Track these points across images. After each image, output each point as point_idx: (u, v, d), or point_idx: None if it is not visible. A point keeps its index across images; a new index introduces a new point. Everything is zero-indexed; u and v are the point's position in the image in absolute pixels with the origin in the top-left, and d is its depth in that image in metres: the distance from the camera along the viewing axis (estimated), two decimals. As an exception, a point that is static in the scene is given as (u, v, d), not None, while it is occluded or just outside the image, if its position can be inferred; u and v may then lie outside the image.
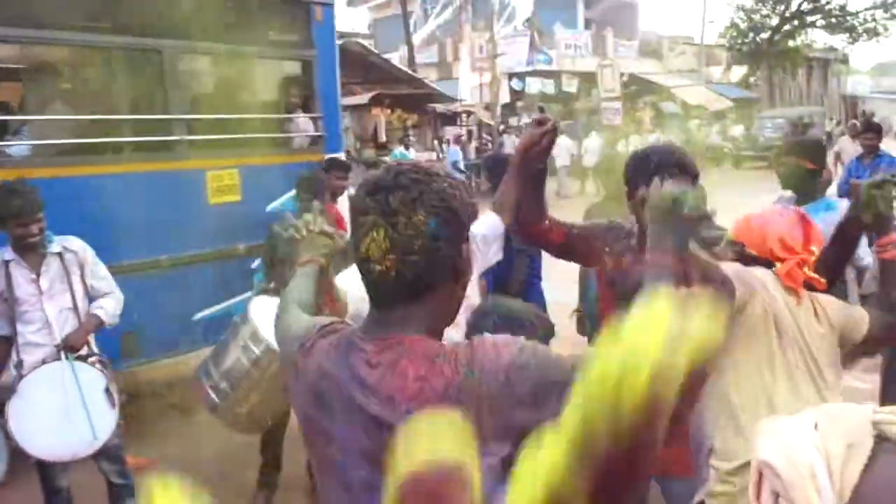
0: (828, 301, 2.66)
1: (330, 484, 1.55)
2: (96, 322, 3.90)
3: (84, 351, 3.84)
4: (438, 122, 22.97)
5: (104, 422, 3.75)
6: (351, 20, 53.15)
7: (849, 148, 13.30)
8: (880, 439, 0.91)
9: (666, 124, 30.77)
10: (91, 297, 3.96)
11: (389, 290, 1.45)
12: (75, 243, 3.94)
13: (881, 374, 3.77)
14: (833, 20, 37.23)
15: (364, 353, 1.46)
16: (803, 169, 4.17)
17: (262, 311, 3.53)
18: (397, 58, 26.21)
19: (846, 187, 7.44)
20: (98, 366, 3.81)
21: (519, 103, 28.81)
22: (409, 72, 22.36)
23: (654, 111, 31.43)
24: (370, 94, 18.68)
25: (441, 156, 20.61)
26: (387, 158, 19.46)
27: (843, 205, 4.08)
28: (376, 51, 22.56)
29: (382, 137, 18.62)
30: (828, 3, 36.69)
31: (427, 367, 1.40)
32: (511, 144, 22.46)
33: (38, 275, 3.79)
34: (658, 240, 1.71)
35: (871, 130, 8.12)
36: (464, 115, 23.87)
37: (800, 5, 36.64)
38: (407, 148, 18.03)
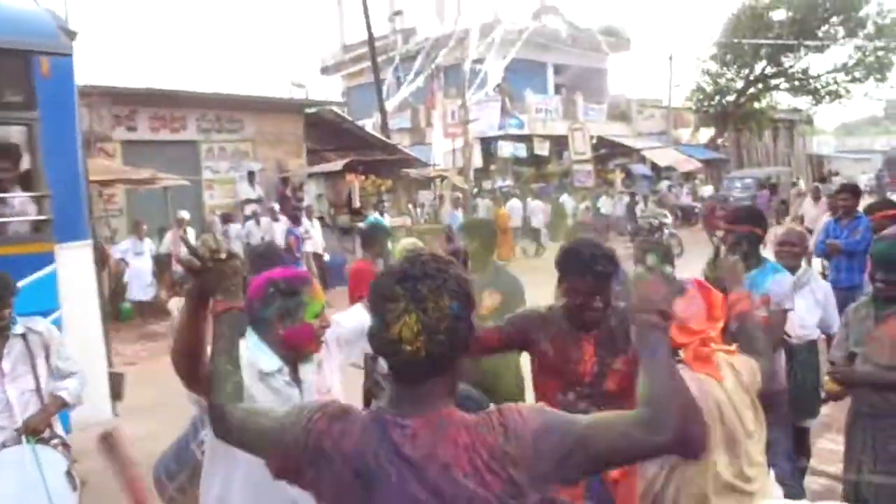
0: (740, 362, 2.82)
1: None
2: (60, 403, 3.84)
3: (47, 433, 3.76)
4: (412, 187, 23.14)
5: None
6: (325, 88, 53.88)
7: (811, 211, 12.93)
8: None
9: (637, 185, 31.25)
10: (55, 378, 3.90)
11: (420, 369, 1.62)
12: (40, 324, 3.89)
13: (844, 434, 3.82)
14: (796, 83, 38.21)
15: (405, 428, 1.61)
16: (755, 235, 4.30)
17: None
18: (371, 124, 26.49)
19: (822, 247, 7.46)
20: (60, 448, 3.73)
21: (492, 167, 29.12)
22: (383, 138, 22.60)
23: (624, 173, 31.88)
24: (344, 161, 18.81)
25: (416, 220, 20.70)
26: (361, 224, 19.52)
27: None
28: (350, 118, 22.84)
29: (356, 203, 18.69)
30: (790, 66, 37.70)
31: (472, 435, 1.59)
32: (484, 208, 22.65)
33: (0, 357, 3.72)
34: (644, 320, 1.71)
35: (845, 191, 7.75)
36: (437, 180, 24.07)
37: (763, 69, 37.62)
38: (381, 214, 18.14)
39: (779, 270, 4.40)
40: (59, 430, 3.93)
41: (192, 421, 3.67)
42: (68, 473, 3.69)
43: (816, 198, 13.31)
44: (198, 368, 2.08)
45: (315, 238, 16.13)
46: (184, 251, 2.01)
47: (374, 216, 18.37)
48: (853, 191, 7.77)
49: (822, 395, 4.21)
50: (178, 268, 14.43)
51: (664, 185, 31.39)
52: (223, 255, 1.95)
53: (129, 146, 16.59)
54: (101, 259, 13.74)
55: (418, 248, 5.20)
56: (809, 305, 4.67)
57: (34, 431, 3.68)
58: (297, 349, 2.71)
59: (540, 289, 4.71)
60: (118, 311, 13.84)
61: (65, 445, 3.80)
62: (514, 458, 1.56)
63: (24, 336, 3.80)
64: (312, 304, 2.71)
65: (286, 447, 1.71)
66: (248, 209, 17.32)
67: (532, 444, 1.57)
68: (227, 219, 16.48)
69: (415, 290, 1.59)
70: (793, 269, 4.63)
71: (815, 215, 9.50)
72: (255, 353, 2.67)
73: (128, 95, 16.42)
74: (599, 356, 3.00)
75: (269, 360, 2.71)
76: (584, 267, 2.91)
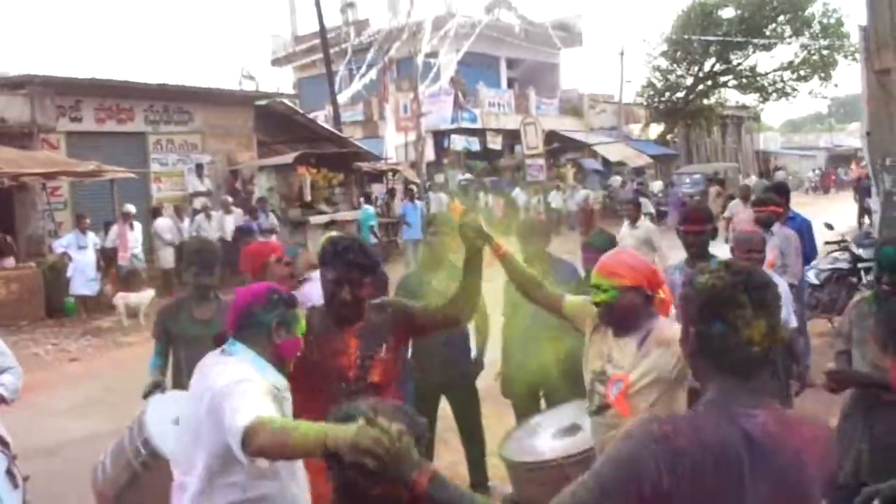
0: None
1: None
2: None
3: None
4: (365, 181, 23.02)
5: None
6: (276, 80, 53.33)
7: (742, 213, 10.43)
8: None
9: (588, 179, 31.53)
10: None
11: (762, 365, 1.85)
12: None
13: (840, 420, 4.00)
14: (744, 80, 38.92)
15: (754, 418, 1.78)
16: (715, 232, 4.43)
17: (159, 415, 3.47)
18: (322, 116, 26.29)
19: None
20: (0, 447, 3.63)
21: (444, 161, 29.13)
22: (335, 131, 22.44)
23: (575, 168, 32.13)
24: (295, 154, 18.64)
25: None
26: (349, 215, 19.43)
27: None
28: (301, 110, 22.63)
29: (308, 197, 18.52)
30: (739, 64, 38.37)
31: (812, 430, 1.86)
32: (437, 201, 22.62)
33: None
34: None
35: (776, 192, 7.27)
36: (390, 174, 23.98)
37: (712, 66, 38.21)
38: (362, 205, 18.46)
39: None
40: None
41: (130, 424, 3.60)
42: (9, 472, 3.59)
43: (745, 198, 11.73)
44: None
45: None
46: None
47: (365, 208, 18.50)
48: (780, 190, 7.33)
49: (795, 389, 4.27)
50: (123, 262, 14.19)
51: (615, 179, 31.70)
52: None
53: (74, 137, 16.23)
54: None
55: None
56: None
57: None
58: (284, 363, 2.69)
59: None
60: (61, 306, 13.53)
61: (3, 443, 3.68)
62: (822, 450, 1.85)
63: None
64: (302, 321, 2.76)
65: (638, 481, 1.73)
66: (198, 202, 17.06)
67: None
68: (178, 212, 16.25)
69: (761, 299, 1.83)
70: None
71: (747, 218, 8.26)
72: (264, 370, 2.60)
73: (72, 85, 16.06)
74: (361, 349, 3.12)
75: (275, 375, 2.65)
76: (335, 256, 3.05)
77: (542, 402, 4.99)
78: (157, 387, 3.99)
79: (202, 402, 2.47)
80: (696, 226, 4.69)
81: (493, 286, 5.15)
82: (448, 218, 6.28)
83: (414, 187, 21.22)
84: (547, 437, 3.40)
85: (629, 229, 8.73)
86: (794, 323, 4.40)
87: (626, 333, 2.95)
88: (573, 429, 3.27)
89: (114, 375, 9.63)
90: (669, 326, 2.87)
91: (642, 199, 15.92)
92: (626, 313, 2.92)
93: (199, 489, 2.54)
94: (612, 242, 4.59)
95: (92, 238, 13.58)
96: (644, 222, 8.79)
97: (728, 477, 1.73)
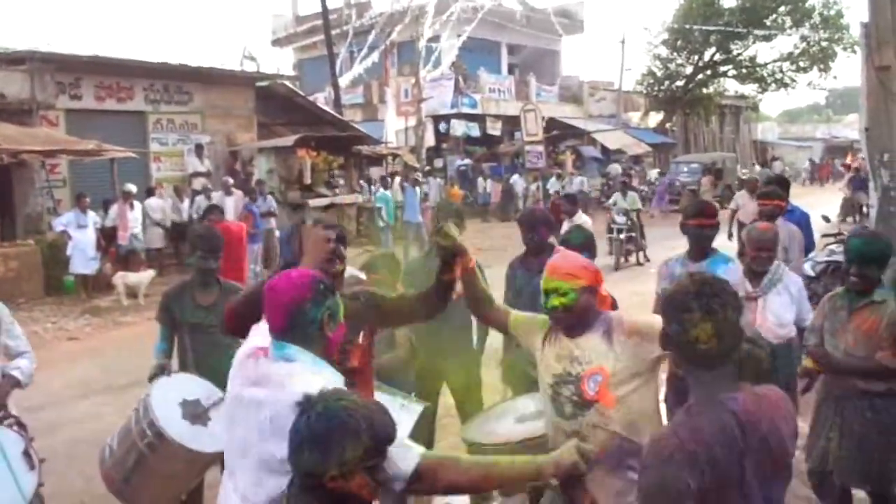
0: None
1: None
2: (13, 382, 3.82)
3: (1, 413, 3.72)
4: (364, 165, 23.03)
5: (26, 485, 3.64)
6: (276, 60, 53.05)
7: (749, 206, 10.66)
8: None
9: (587, 167, 31.54)
10: (7, 357, 3.87)
11: (720, 359, 2.16)
12: None
13: (813, 410, 4.12)
14: (743, 70, 38.89)
15: (735, 399, 2.12)
16: (718, 227, 4.49)
17: (164, 397, 3.51)
18: (322, 98, 26.23)
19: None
20: (16, 428, 3.69)
21: (444, 146, 29.12)
22: (335, 114, 22.41)
23: (574, 155, 32.14)
24: (296, 137, 18.62)
25: (369, 197, 20.62)
26: (358, 198, 19.47)
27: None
28: (301, 92, 22.58)
29: (308, 180, 18.52)
30: (739, 54, 38.34)
31: (784, 406, 2.22)
32: (436, 187, 22.66)
33: None
34: None
35: (778, 184, 7.14)
36: (389, 158, 23.98)
37: (712, 56, 38.17)
38: (362, 189, 18.45)
39: (730, 260, 4.56)
40: (12, 409, 3.89)
41: (137, 406, 3.66)
42: (25, 453, 3.65)
43: (752, 190, 11.42)
44: None
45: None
46: None
47: (381, 192, 18.46)
48: (782, 182, 7.23)
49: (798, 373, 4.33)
50: (123, 242, 14.21)
51: (614, 167, 31.71)
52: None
53: (73, 115, 16.19)
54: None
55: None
56: (784, 302, 4.53)
57: None
58: (331, 355, 2.54)
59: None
60: (60, 285, 13.57)
61: (20, 425, 3.75)
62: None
63: None
64: (341, 305, 2.58)
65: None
66: (197, 183, 17.06)
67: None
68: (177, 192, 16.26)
69: (707, 306, 2.13)
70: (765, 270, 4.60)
71: (753, 210, 8.32)
72: (324, 371, 2.42)
73: (72, 63, 16.02)
74: (344, 336, 3.06)
75: (334, 374, 2.46)
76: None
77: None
78: (162, 370, 4.05)
79: (276, 421, 2.24)
80: (703, 220, 4.69)
81: (495, 272, 5.23)
82: (449, 204, 6.35)
83: (420, 173, 21.34)
84: (510, 422, 3.46)
85: (567, 224, 8.46)
86: (809, 319, 4.40)
87: (583, 332, 3.02)
88: (539, 414, 3.32)
89: (113, 355, 9.69)
90: (629, 317, 3.04)
91: (629, 192, 16.13)
92: (584, 312, 3.00)
93: (248, 485, 2.41)
94: (589, 239, 4.58)
95: (92, 217, 13.58)
96: (580, 216, 8.46)
97: (732, 456, 2.06)
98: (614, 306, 3.37)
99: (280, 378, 2.33)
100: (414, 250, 16.39)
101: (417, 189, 18.92)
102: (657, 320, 2.75)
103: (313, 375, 2.32)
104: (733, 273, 4.36)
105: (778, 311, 4.47)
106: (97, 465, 3.72)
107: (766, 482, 2.13)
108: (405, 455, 2.21)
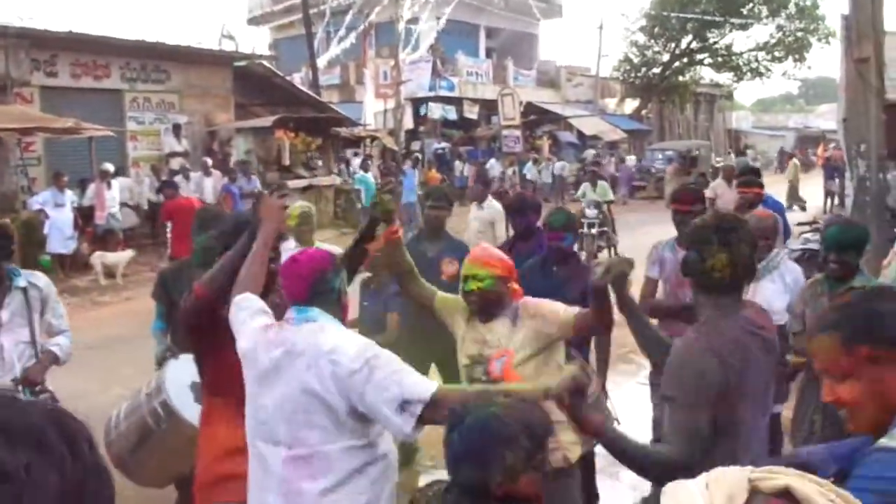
0: None
1: (747, 417, 2.48)
2: (52, 358, 3.90)
3: (38, 387, 3.80)
4: (339, 147, 22.96)
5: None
6: (252, 39, 52.52)
7: (727, 195, 10.28)
8: (754, 492, 1.09)
9: (563, 152, 31.65)
10: (48, 334, 3.97)
11: (730, 288, 2.52)
12: (41, 280, 3.99)
13: (797, 395, 4.23)
14: (719, 59, 39.18)
15: (745, 313, 2.56)
16: (697, 213, 4.56)
17: (177, 379, 3.57)
18: (298, 79, 26.04)
19: None
20: (50, 402, 3.74)
21: (421, 129, 29.08)
22: (314, 95, 22.29)
23: (551, 140, 32.24)
24: (274, 118, 18.52)
25: (346, 179, 20.55)
26: (336, 180, 19.43)
27: None
28: (279, 72, 22.42)
29: (286, 161, 18.45)
30: (715, 42, 38.60)
31: (758, 308, 2.72)
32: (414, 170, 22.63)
33: (0, 307, 3.77)
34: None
35: (752, 173, 7.26)
36: (368, 140, 23.91)
37: (689, 43, 38.38)
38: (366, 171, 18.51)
39: None
40: (48, 385, 3.95)
41: (148, 390, 3.72)
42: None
43: (729, 178, 11.00)
44: None
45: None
46: None
47: (360, 174, 18.42)
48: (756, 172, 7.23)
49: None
50: (100, 221, 14.09)
51: (589, 153, 31.86)
52: None
53: (49, 92, 15.96)
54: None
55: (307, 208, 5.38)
56: (777, 290, 4.54)
57: (32, 383, 3.71)
58: (345, 319, 2.76)
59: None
60: (37, 264, 13.42)
61: (53, 399, 3.80)
62: None
63: (24, 290, 3.84)
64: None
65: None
66: (175, 163, 16.93)
67: None
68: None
69: (726, 238, 2.47)
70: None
71: (731, 199, 8.00)
72: (351, 333, 2.71)
73: (48, 39, 15.75)
74: None
75: (355, 335, 2.74)
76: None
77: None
78: (169, 352, 4.10)
79: (316, 368, 2.47)
80: (678, 205, 4.75)
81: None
82: (438, 188, 6.41)
83: (419, 155, 21.34)
84: None
85: (476, 210, 8.28)
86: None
87: (494, 318, 3.38)
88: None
89: (94, 334, 9.61)
90: (535, 301, 3.40)
91: (600, 182, 15.00)
92: (498, 299, 3.35)
93: (321, 457, 2.52)
94: (571, 219, 4.68)
95: (69, 196, 13.46)
96: (490, 202, 8.28)
97: (749, 356, 2.46)
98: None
99: (310, 333, 2.52)
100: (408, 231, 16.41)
101: (416, 171, 18.97)
102: (560, 306, 3.33)
103: (339, 331, 2.57)
104: None
105: (769, 298, 4.40)
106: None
107: (768, 385, 2.60)
108: (425, 383, 2.49)
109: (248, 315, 2.71)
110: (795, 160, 27.16)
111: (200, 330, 2.94)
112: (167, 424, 3.55)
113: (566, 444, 3.42)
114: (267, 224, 2.92)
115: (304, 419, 2.50)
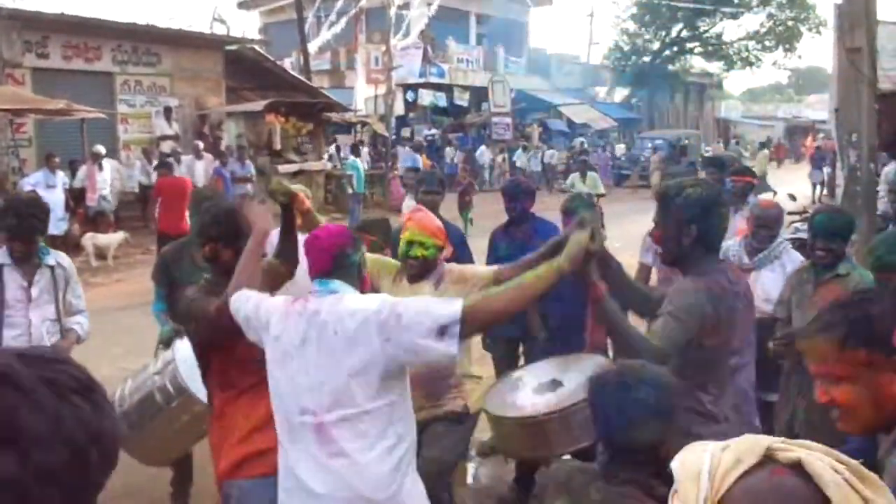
0: None
1: (739, 347, 2.88)
2: (75, 337, 3.99)
3: None
4: (330, 132, 22.93)
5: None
6: (242, 23, 52.21)
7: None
8: (768, 459, 1.08)
9: (553, 140, 31.72)
10: (67, 313, 4.03)
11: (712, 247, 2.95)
12: (66, 260, 4.07)
13: (781, 382, 4.26)
14: (710, 48, 39.29)
15: (729, 268, 3.04)
16: None
17: (187, 359, 3.61)
18: (289, 64, 25.94)
19: None
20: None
21: (411, 115, 29.05)
22: (305, 80, 22.23)
23: (541, 128, 32.28)
24: (265, 102, 18.47)
25: (337, 165, 20.54)
26: (327, 166, 19.42)
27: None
28: (271, 57, 22.33)
29: (277, 145, 18.42)
30: (706, 31, 38.69)
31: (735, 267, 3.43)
32: (405, 154, 22.65)
33: (31, 283, 3.85)
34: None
35: (712, 166, 7.31)
36: (358, 126, 23.88)
37: (680, 32, 38.50)
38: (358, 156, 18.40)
39: None
40: None
41: (159, 368, 3.77)
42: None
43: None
44: None
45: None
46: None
47: (352, 160, 18.39)
48: (719, 165, 7.26)
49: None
50: (91, 203, 14.06)
51: (578, 141, 31.96)
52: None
53: (40, 74, 15.87)
54: None
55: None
56: (776, 279, 4.54)
57: None
58: (365, 293, 2.83)
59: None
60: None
61: None
62: None
63: (52, 268, 3.92)
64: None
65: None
66: (166, 146, 16.88)
67: None
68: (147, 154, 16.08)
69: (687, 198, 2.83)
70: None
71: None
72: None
73: (40, 20, 15.65)
74: None
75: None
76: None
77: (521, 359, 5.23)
78: (175, 332, 4.14)
79: (343, 332, 2.53)
80: None
81: (477, 243, 5.36)
82: (432, 174, 6.46)
83: (424, 141, 21.30)
84: (528, 393, 3.46)
85: (409, 199, 8.29)
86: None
87: (420, 280, 3.64)
88: (554, 384, 3.37)
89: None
90: (459, 268, 3.73)
91: (589, 173, 14.55)
92: (433, 265, 3.64)
93: (363, 417, 2.56)
94: (591, 206, 4.80)
95: (61, 177, 13.41)
96: (407, 202, 8.27)
97: (736, 304, 2.79)
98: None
99: (334, 302, 2.60)
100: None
101: (418, 156, 18.95)
102: (482, 269, 3.76)
103: (358, 295, 2.67)
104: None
105: (767, 287, 4.50)
106: None
107: (749, 330, 2.93)
108: (451, 303, 2.50)
109: (254, 303, 2.77)
110: (766, 150, 27.27)
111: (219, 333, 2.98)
112: (177, 402, 3.61)
113: (467, 393, 3.74)
114: (258, 227, 3.02)
115: (341, 384, 2.54)
